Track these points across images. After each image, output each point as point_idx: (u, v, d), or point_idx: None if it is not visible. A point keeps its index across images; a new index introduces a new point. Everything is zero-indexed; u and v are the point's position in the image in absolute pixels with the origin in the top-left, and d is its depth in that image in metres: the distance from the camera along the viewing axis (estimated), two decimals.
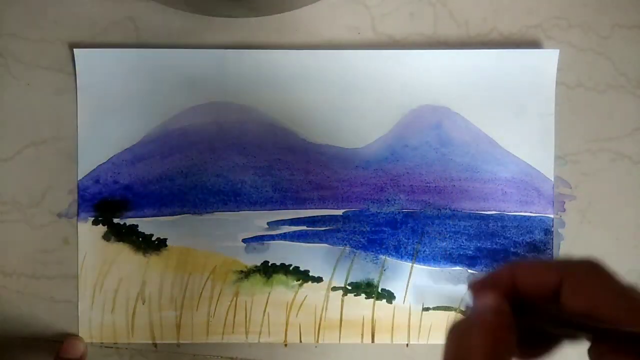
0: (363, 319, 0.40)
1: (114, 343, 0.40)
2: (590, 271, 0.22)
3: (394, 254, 0.40)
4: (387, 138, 0.41)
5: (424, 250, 0.40)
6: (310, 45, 0.41)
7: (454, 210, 0.41)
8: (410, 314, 0.40)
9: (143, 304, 0.40)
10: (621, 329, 0.20)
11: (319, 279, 0.40)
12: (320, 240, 0.41)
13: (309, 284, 0.40)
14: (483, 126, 0.41)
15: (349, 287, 0.40)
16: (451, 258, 0.40)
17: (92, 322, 0.40)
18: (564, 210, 0.41)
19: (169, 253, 0.40)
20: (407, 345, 0.40)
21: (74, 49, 0.40)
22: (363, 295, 0.40)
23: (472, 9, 0.41)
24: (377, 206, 0.41)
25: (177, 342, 0.40)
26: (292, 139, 0.41)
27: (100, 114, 0.40)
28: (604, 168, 0.41)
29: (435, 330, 0.40)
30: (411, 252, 0.40)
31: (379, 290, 0.40)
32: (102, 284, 0.40)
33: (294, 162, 0.41)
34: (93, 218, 0.40)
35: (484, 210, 0.41)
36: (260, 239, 0.40)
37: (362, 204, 0.41)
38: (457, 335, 0.21)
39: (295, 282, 0.40)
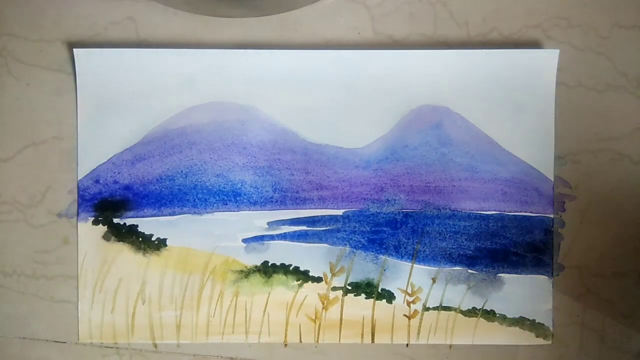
0: (363, 319, 0.40)
1: (114, 343, 0.40)
2: None
3: (394, 254, 0.40)
4: (387, 138, 0.41)
5: (424, 250, 0.40)
6: (310, 45, 0.41)
7: (454, 210, 0.41)
8: (410, 314, 0.40)
9: (143, 304, 0.40)
10: None
11: (319, 279, 0.40)
12: (320, 240, 0.41)
13: (309, 284, 0.40)
14: (483, 126, 0.41)
15: (349, 287, 0.40)
16: (451, 258, 0.40)
17: (92, 322, 0.40)
18: (564, 210, 0.41)
19: (169, 253, 0.40)
20: (407, 345, 0.41)
21: (74, 49, 0.40)
22: (363, 295, 0.40)
23: (472, 9, 0.41)
24: (377, 206, 0.41)
25: (177, 342, 0.40)
26: (292, 139, 0.41)
27: (100, 114, 0.40)
28: (604, 168, 0.41)
29: (435, 330, 0.40)
30: (411, 252, 0.40)
31: (379, 290, 0.40)
32: (102, 284, 0.40)
33: (294, 162, 0.41)
34: (93, 218, 0.40)
35: (484, 210, 0.41)
36: (260, 239, 0.40)
37: (362, 204, 0.41)
38: None
39: (295, 282, 0.40)
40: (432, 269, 0.40)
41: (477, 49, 0.40)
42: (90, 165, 0.40)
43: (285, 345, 0.41)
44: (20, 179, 0.41)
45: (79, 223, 0.40)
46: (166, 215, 0.40)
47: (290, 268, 0.40)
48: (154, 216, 0.40)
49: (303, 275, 0.40)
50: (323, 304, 0.40)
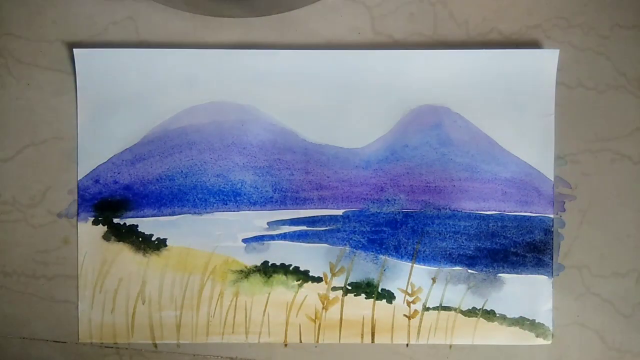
0: (363, 319, 0.40)
1: (114, 343, 0.40)
2: None
3: (394, 254, 0.40)
4: (387, 138, 0.41)
5: (424, 250, 0.40)
6: (310, 45, 0.41)
7: (454, 210, 0.41)
8: (410, 314, 0.40)
9: (143, 304, 0.40)
10: None
11: (319, 279, 0.40)
12: (320, 240, 0.41)
13: (309, 284, 0.40)
14: (483, 126, 0.41)
15: (349, 287, 0.40)
16: (451, 258, 0.40)
17: (92, 322, 0.40)
18: (564, 210, 0.41)
19: (169, 253, 0.40)
20: (407, 345, 0.41)
21: (74, 49, 0.40)
22: (363, 295, 0.40)
23: (472, 9, 0.41)
24: (377, 206, 0.41)
25: (177, 342, 0.40)
26: (292, 139, 0.41)
27: (100, 114, 0.40)
28: (604, 168, 0.41)
29: (435, 330, 0.40)
30: (411, 252, 0.40)
31: (379, 290, 0.40)
32: (102, 284, 0.40)
33: (294, 162, 0.41)
34: (93, 218, 0.40)
35: (484, 210, 0.41)
36: (260, 239, 0.40)
37: (362, 204, 0.41)
38: None
39: (295, 282, 0.40)
40: (432, 269, 0.40)
41: (477, 49, 0.40)
42: (90, 165, 0.40)
43: (285, 345, 0.41)
44: (20, 179, 0.41)
45: (79, 223, 0.40)
46: (166, 215, 0.40)
47: (290, 268, 0.40)
48: (154, 216, 0.40)
49: (303, 275, 0.40)
50: (323, 304, 0.40)
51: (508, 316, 0.40)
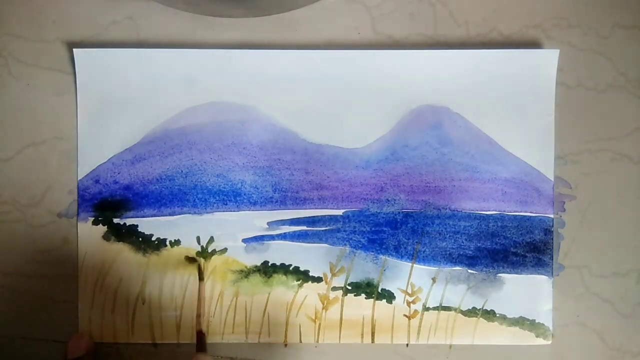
0: (363, 319, 0.40)
1: (114, 343, 0.40)
2: None
3: (394, 254, 0.40)
4: (387, 138, 0.41)
5: (424, 250, 0.40)
6: (310, 45, 0.41)
7: (454, 210, 0.41)
8: (410, 314, 0.40)
9: (143, 304, 0.40)
10: None
11: (319, 279, 0.40)
12: (320, 240, 0.41)
13: (309, 284, 0.40)
14: (483, 126, 0.41)
15: (349, 287, 0.40)
16: (451, 258, 0.40)
17: (92, 322, 0.40)
18: (564, 210, 0.41)
19: (169, 253, 0.40)
20: (407, 345, 0.41)
21: (74, 49, 0.40)
22: (363, 295, 0.40)
23: (472, 9, 0.41)
24: (377, 206, 0.41)
25: (177, 342, 0.40)
26: (292, 139, 0.41)
27: (100, 114, 0.40)
28: (604, 168, 0.41)
29: (435, 330, 0.40)
30: (411, 252, 0.40)
31: (379, 290, 0.40)
32: (102, 284, 0.40)
33: (294, 162, 0.41)
34: (93, 218, 0.40)
35: (484, 210, 0.41)
36: (260, 239, 0.40)
37: (362, 204, 0.41)
38: None
39: (295, 282, 0.40)
40: (432, 269, 0.40)
41: (477, 49, 0.40)
42: (90, 165, 0.40)
43: (285, 345, 0.41)
44: (20, 179, 0.41)
45: (79, 223, 0.40)
46: (166, 215, 0.40)
47: (290, 268, 0.40)
48: (154, 216, 0.40)
49: (303, 275, 0.40)
50: (323, 304, 0.40)
51: (508, 316, 0.40)
